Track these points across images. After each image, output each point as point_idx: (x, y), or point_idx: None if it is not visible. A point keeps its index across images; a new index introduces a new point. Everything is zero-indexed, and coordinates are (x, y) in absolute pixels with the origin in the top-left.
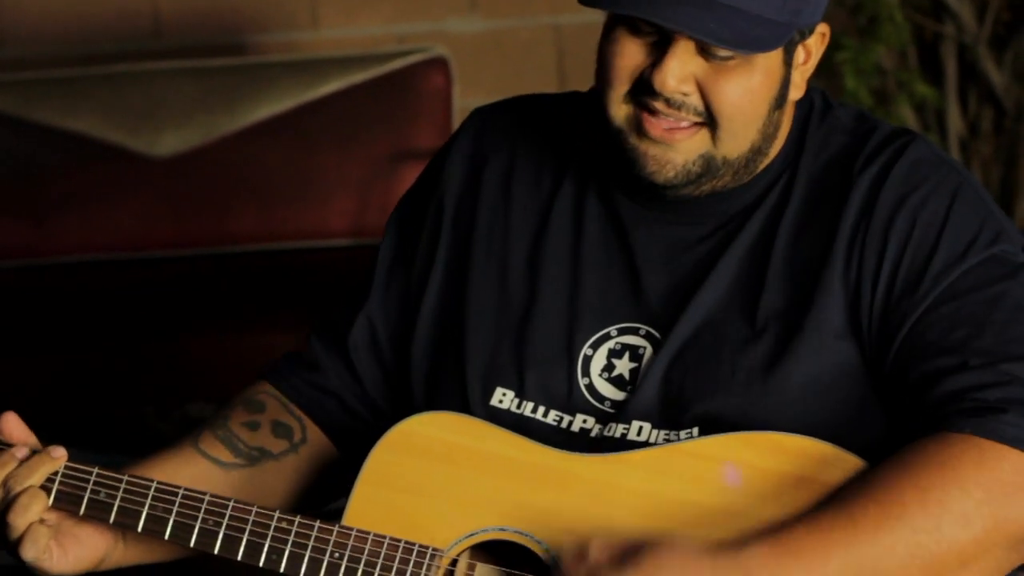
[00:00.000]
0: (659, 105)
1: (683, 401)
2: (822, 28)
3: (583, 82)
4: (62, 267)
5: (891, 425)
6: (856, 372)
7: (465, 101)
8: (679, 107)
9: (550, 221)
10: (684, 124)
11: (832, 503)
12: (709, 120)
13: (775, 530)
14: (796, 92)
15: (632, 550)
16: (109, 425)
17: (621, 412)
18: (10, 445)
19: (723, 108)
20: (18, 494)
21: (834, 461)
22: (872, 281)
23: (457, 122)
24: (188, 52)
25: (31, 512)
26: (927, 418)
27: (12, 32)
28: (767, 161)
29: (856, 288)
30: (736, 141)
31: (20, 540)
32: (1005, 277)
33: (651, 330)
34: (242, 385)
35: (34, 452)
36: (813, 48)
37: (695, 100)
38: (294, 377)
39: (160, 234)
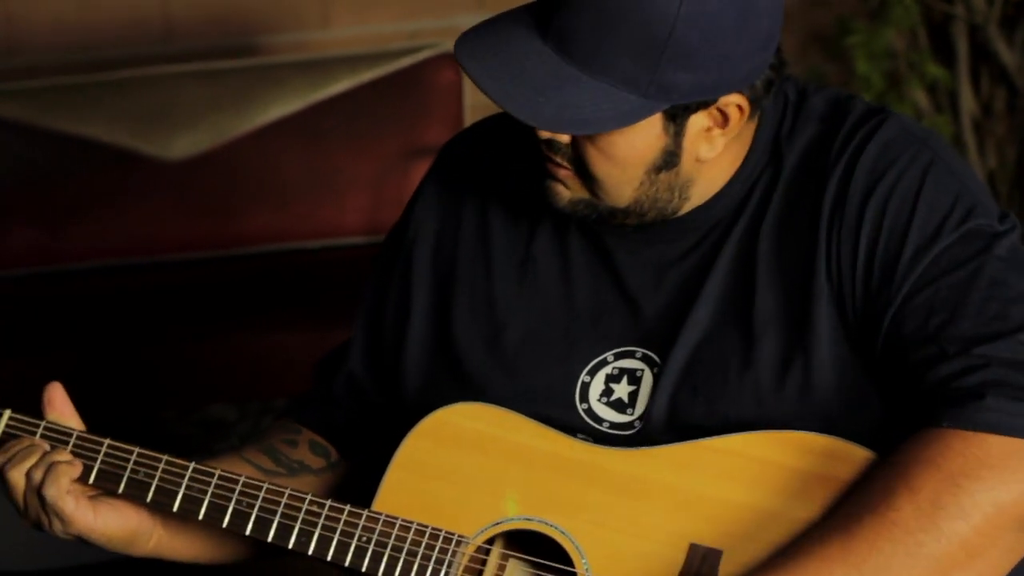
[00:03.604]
0: (543, 146)
1: (694, 422)
2: (737, 100)
3: None
4: (77, 273)
5: (894, 414)
6: (855, 366)
7: (476, 97)
8: (556, 151)
9: (534, 250)
10: (563, 165)
11: (830, 519)
12: (580, 172)
13: (776, 557)
14: (708, 152)
15: None
16: (129, 430)
17: (633, 442)
18: (52, 425)
19: (588, 166)
20: (45, 476)
21: (848, 457)
22: (851, 275)
23: (468, 118)
24: (199, 55)
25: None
26: (917, 411)
27: (24, 41)
28: (699, 200)
29: (838, 284)
30: (612, 197)
31: (43, 484)
32: (980, 252)
33: (647, 352)
34: (261, 385)
35: (55, 440)
36: (732, 114)
37: (568, 149)
38: (308, 409)
39: (174, 237)
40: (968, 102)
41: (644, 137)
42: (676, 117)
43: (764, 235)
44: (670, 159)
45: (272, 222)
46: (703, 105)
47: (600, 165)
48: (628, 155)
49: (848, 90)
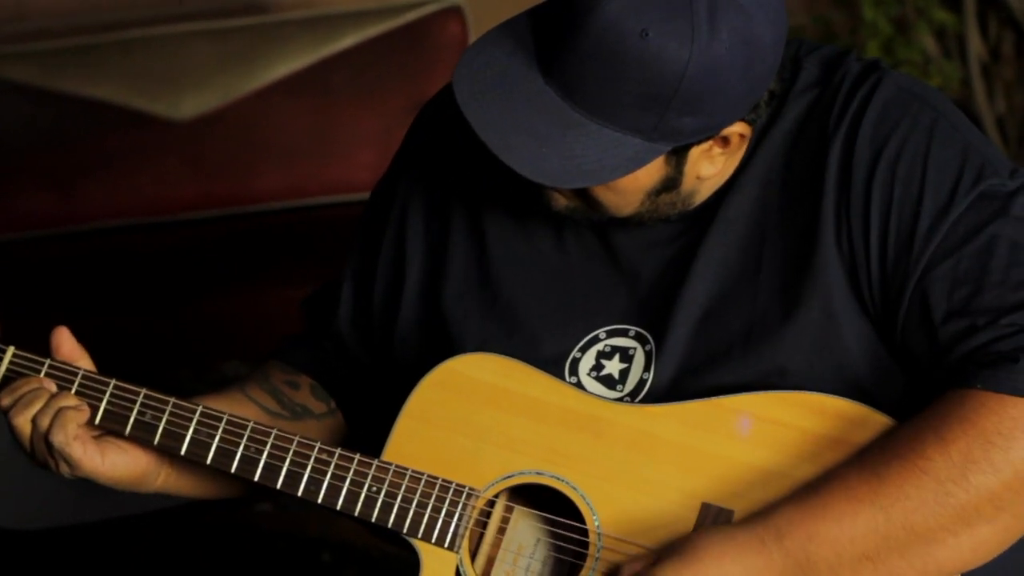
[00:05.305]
0: None
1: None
2: (739, 129)
3: None
4: (90, 234)
5: (911, 384)
6: (869, 339)
7: None
8: None
9: (529, 222)
10: None
11: (857, 462)
12: (578, 194)
13: (802, 491)
14: (709, 170)
15: (666, 550)
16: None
17: None
18: (57, 363)
19: (587, 193)
20: (52, 422)
21: (867, 422)
22: (864, 249)
23: None
24: (206, 14)
25: (71, 426)
26: (946, 379)
27: (33, 4)
28: (702, 199)
29: (851, 258)
30: (610, 213)
31: (50, 430)
32: (996, 215)
33: (640, 330)
34: (274, 341)
35: (60, 379)
36: (734, 140)
37: None
38: (305, 354)
39: (185, 196)
40: (976, 46)
41: (645, 171)
42: (678, 152)
43: (770, 207)
44: (671, 184)
45: (281, 179)
46: (706, 139)
47: (600, 194)
48: (628, 186)
49: (840, 45)
